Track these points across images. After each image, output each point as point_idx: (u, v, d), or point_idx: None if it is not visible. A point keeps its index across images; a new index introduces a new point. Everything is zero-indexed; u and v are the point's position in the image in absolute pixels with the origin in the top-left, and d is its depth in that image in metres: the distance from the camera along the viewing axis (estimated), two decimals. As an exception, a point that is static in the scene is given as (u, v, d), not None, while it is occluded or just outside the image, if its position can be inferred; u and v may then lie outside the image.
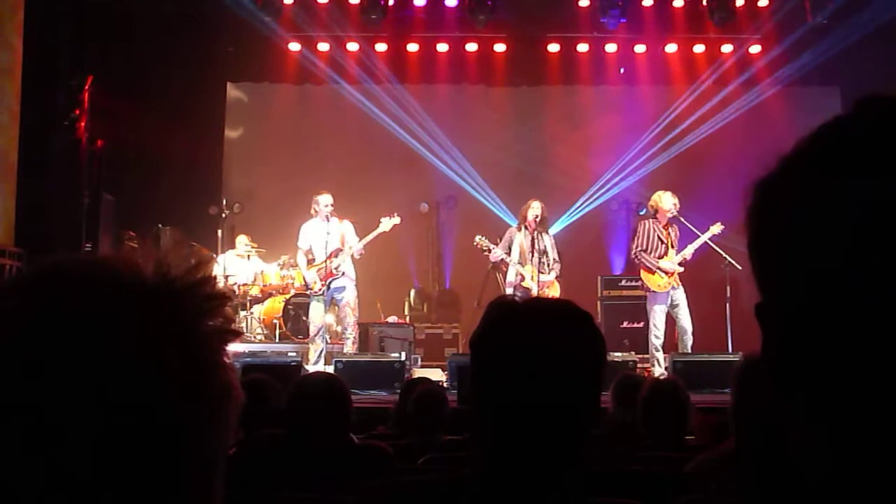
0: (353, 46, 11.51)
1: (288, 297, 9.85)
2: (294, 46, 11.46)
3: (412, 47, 11.70)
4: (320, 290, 8.48)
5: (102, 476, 0.60)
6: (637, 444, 3.60)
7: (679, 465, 2.71)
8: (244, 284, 9.90)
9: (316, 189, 8.67)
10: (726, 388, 2.93)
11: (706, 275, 9.13)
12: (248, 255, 10.19)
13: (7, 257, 8.18)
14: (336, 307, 8.82)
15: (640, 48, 11.75)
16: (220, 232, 9.99)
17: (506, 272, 8.84)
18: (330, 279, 8.47)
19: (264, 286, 10.05)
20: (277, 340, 9.74)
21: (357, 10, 10.93)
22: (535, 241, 8.56)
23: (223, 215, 10.06)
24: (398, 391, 5.09)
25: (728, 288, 8.96)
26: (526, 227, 8.61)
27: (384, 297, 10.67)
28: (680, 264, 8.34)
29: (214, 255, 9.68)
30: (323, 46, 11.52)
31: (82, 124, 9.09)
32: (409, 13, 11.35)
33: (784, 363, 0.63)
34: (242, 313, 9.85)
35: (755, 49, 11.54)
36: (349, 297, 8.51)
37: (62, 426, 0.60)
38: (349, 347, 8.49)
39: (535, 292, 8.38)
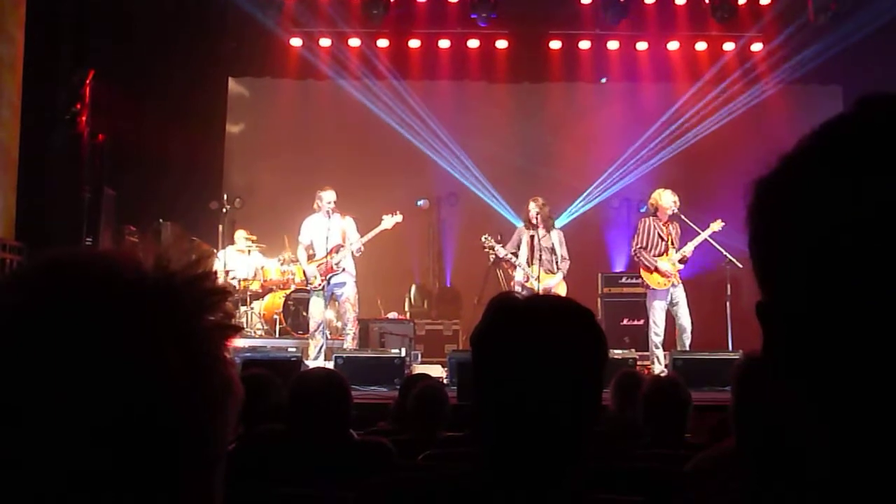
0: (354, 42, 11.51)
1: (288, 292, 9.86)
2: (296, 42, 11.47)
3: (414, 43, 11.70)
4: (320, 285, 8.50)
5: (102, 474, 0.60)
6: (637, 442, 3.60)
7: (679, 462, 2.70)
8: (244, 279, 9.90)
9: (318, 185, 8.68)
10: (726, 386, 2.93)
11: (707, 273, 9.13)
12: (249, 251, 10.20)
13: (8, 251, 8.17)
14: (336, 303, 8.83)
15: (641, 45, 11.74)
16: (220, 227, 10.02)
17: (507, 269, 8.83)
18: (330, 275, 8.48)
19: (264, 281, 10.05)
20: (277, 336, 9.74)
21: (359, 5, 10.94)
22: (540, 239, 8.52)
23: (224, 210, 10.07)
24: (398, 387, 5.08)
25: (728, 286, 8.97)
26: (530, 227, 8.59)
27: (385, 293, 10.67)
28: (680, 261, 8.34)
29: (215, 251, 9.67)
30: (324, 42, 11.53)
31: (83, 119, 9.08)
32: (411, 9, 11.35)
33: (785, 362, 0.63)
34: (242, 308, 9.85)
35: (757, 47, 11.54)
36: (349, 293, 8.52)
37: (61, 424, 0.59)
38: (349, 343, 8.49)
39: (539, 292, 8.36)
